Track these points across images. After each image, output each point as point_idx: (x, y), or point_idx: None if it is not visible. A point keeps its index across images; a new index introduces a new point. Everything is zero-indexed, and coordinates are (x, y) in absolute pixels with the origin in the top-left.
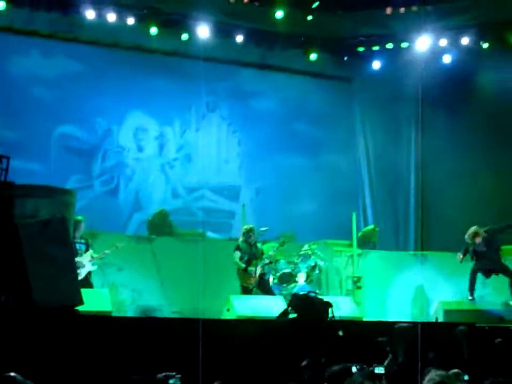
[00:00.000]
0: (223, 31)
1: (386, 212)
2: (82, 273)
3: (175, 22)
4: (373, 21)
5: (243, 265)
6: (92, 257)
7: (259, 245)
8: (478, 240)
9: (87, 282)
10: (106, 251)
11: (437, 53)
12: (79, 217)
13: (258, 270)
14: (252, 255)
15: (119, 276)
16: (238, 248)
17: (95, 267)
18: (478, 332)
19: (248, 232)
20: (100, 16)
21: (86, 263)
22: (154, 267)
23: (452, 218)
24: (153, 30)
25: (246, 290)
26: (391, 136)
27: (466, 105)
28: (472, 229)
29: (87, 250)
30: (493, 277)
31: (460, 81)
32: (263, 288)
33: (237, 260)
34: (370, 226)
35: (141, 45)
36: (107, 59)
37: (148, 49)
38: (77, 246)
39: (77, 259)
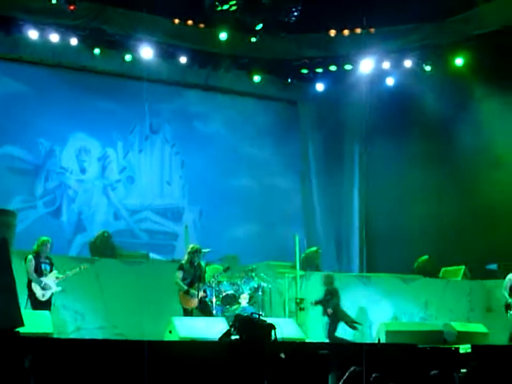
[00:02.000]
0: (166, 52)
1: (330, 233)
2: (47, 294)
3: (119, 43)
4: (317, 43)
5: (185, 287)
6: (57, 277)
7: (202, 263)
8: None
9: (49, 303)
10: (69, 272)
11: (380, 75)
12: (46, 238)
13: (200, 293)
14: (195, 277)
15: (61, 297)
16: (181, 267)
17: (59, 288)
18: (419, 353)
19: (193, 253)
20: (43, 36)
21: (51, 284)
22: (97, 289)
23: (395, 240)
24: (97, 51)
25: (186, 312)
26: (336, 158)
27: (409, 127)
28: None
29: (51, 270)
30: (435, 299)
31: (403, 103)
32: (204, 310)
33: (179, 280)
34: (313, 248)
35: (84, 65)
36: (50, 80)
37: (92, 69)
38: (42, 266)
39: (43, 279)
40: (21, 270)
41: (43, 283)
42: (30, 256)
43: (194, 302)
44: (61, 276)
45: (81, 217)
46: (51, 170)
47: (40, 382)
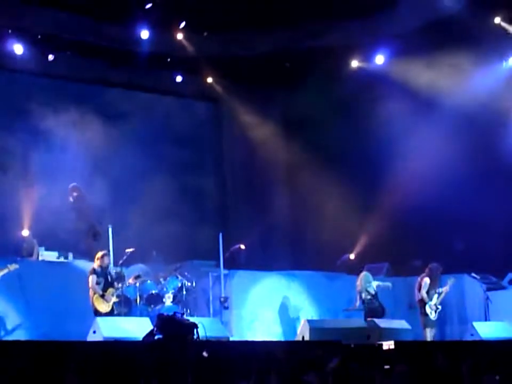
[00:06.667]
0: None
1: (254, 231)
2: None
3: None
4: (238, 40)
5: (100, 292)
6: None
7: (121, 269)
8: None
9: None
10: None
11: None
12: None
13: (113, 298)
14: (107, 281)
15: None
16: (93, 272)
17: None
18: (344, 350)
19: (100, 258)
20: None
21: None
22: (19, 289)
23: (322, 237)
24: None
25: (98, 315)
26: (256, 154)
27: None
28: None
29: None
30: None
31: None
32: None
33: (93, 284)
34: (238, 246)
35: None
36: None
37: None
38: None
39: None
40: None
41: None
42: None
43: (108, 306)
44: None
45: None
46: None
47: None
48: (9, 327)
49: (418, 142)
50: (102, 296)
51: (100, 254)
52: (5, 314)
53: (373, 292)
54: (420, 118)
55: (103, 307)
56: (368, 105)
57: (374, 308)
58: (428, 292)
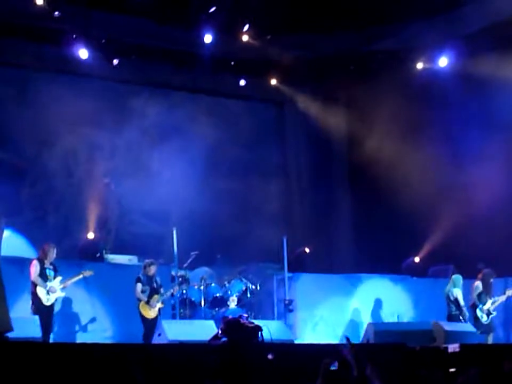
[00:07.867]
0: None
1: (319, 234)
2: (52, 298)
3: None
4: (302, 43)
5: (145, 299)
6: (61, 283)
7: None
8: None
9: (52, 308)
10: (74, 278)
11: None
12: (51, 244)
13: (159, 304)
14: (152, 288)
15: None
16: (139, 280)
17: (64, 293)
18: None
19: (147, 267)
20: None
21: (57, 289)
22: (85, 292)
23: (387, 240)
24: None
25: (145, 322)
26: (323, 157)
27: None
28: None
29: (55, 276)
30: (423, 298)
31: None
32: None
33: (139, 292)
34: (303, 249)
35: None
36: None
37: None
38: (46, 271)
39: (48, 284)
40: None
41: (48, 287)
42: (35, 261)
43: (153, 312)
44: (64, 282)
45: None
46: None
47: None
48: (75, 329)
49: (492, 142)
50: (147, 302)
51: (146, 262)
52: (71, 316)
53: (452, 297)
54: (497, 116)
55: (149, 313)
56: (439, 104)
57: (451, 313)
58: (479, 296)
